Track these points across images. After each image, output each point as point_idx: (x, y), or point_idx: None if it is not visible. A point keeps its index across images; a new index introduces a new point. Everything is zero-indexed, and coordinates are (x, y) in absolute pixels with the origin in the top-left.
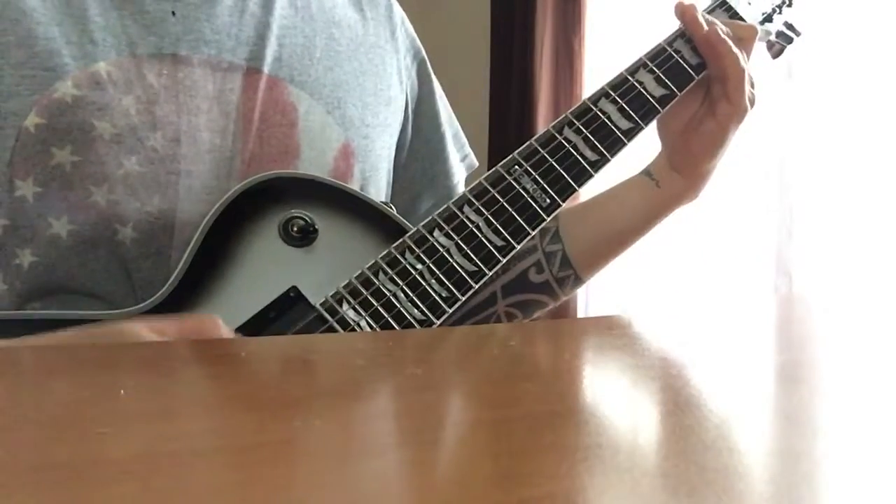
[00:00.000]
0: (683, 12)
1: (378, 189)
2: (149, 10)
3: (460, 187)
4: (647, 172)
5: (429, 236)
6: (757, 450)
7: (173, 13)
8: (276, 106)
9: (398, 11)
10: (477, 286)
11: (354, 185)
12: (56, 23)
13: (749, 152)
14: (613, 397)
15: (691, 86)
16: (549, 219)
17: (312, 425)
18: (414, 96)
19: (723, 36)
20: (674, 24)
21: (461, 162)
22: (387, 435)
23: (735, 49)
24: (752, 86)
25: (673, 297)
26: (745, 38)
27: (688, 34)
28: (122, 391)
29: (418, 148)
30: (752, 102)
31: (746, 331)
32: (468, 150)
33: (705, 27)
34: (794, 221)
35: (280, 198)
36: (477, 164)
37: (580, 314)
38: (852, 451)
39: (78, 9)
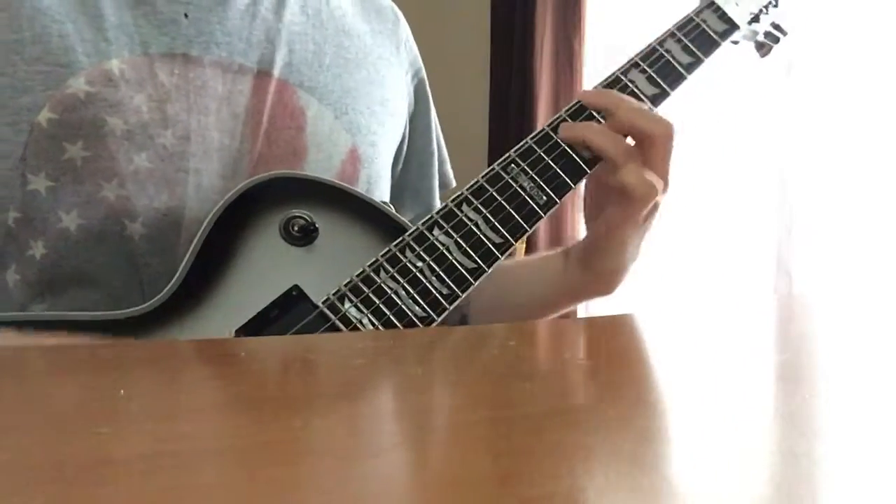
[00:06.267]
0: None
1: (381, 196)
2: (162, 10)
3: (438, 204)
4: (565, 252)
5: (428, 234)
6: (757, 450)
7: (186, 15)
8: (284, 109)
9: (404, 27)
10: (477, 283)
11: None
12: (70, 20)
13: (749, 152)
14: (613, 397)
15: (681, 85)
16: (546, 216)
17: (313, 425)
18: (410, 111)
19: (598, 129)
20: (672, 23)
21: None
22: (387, 435)
23: (609, 134)
24: (664, 186)
25: (673, 296)
26: (656, 135)
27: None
28: (121, 391)
29: (409, 161)
30: (656, 202)
31: (746, 330)
32: (447, 168)
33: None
34: (794, 221)
35: (280, 197)
36: (454, 183)
37: (580, 314)
38: (852, 451)
39: (92, 7)
